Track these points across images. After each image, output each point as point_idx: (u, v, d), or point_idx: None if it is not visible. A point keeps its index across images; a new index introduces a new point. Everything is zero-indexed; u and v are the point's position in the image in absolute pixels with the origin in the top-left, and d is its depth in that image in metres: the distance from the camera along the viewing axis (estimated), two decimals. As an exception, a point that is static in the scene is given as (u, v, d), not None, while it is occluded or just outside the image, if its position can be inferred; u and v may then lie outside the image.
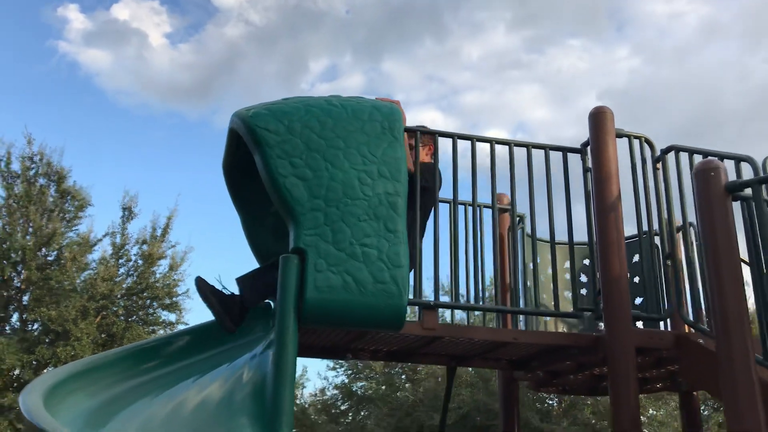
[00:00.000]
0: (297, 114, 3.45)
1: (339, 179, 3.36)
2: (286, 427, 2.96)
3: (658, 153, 3.86)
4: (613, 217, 3.52)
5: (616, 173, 3.62)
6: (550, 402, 22.19)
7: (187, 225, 37.79)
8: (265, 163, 3.33)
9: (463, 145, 3.74)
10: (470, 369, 22.89)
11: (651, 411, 21.36)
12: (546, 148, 3.85)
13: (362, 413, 30.84)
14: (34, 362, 16.61)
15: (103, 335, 17.83)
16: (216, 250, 36.05)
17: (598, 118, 3.73)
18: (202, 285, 3.59)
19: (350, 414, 31.52)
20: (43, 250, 17.68)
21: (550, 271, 3.97)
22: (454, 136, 3.73)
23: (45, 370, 17.15)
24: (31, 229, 17.55)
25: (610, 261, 3.45)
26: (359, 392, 31.30)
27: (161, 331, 19.13)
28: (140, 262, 18.26)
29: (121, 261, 18.13)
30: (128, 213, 18.57)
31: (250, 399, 3.08)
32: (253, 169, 4.15)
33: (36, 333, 17.17)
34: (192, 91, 38.06)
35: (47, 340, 16.86)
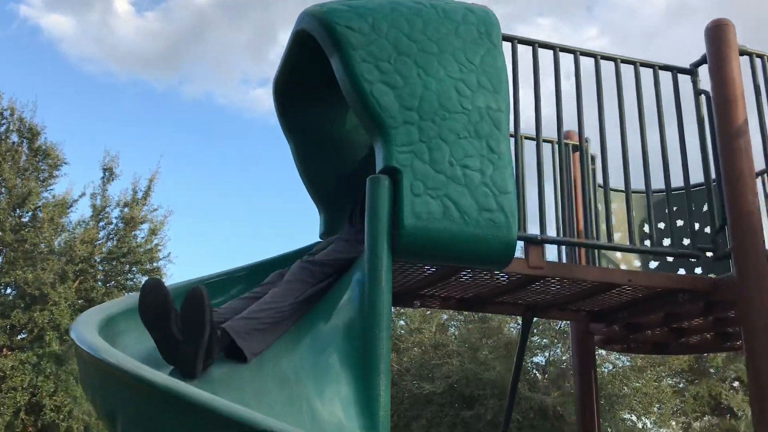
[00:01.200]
0: (382, 12, 2.89)
1: (434, 89, 2.82)
2: (384, 375, 2.46)
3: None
4: (742, 144, 3.04)
5: (741, 94, 3.14)
6: (536, 372, 22.07)
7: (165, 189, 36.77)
8: (346, 67, 2.77)
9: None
10: (454, 338, 22.65)
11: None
12: (655, 67, 3.34)
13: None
14: (8, 327, 15.86)
15: (80, 300, 17.10)
16: (196, 216, 35.27)
17: (719, 31, 3.24)
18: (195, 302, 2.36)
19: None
20: (17, 210, 16.81)
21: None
22: (555, 48, 3.21)
23: (19, 336, 16.44)
24: (4, 189, 16.64)
25: (741, 193, 2.98)
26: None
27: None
28: (121, 225, 17.48)
29: (101, 224, 17.33)
30: (109, 174, 17.73)
31: (341, 338, 2.57)
32: (311, 88, 3.60)
33: (11, 297, 16.36)
34: (158, 60, 36.86)
35: (23, 305, 16.06)
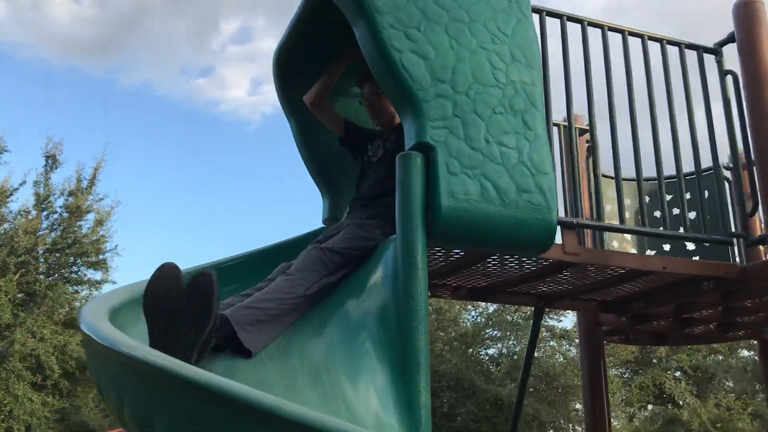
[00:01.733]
0: (409, -25, 2.65)
1: (467, 60, 2.60)
2: (424, 372, 2.23)
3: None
4: (775, 127, 2.92)
5: (773, 74, 3.02)
6: (490, 364, 22.19)
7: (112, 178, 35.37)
8: (373, 33, 2.52)
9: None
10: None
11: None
12: (681, 45, 3.20)
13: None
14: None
15: (21, 294, 16.29)
16: (144, 208, 34.25)
17: (748, 9, 3.11)
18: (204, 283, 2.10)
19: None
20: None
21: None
22: (583, 22, 3.03)
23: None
24: (-63, 176, 15.69)
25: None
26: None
27: (85, 292, 17.75)
28: (66, 215, 16.71)
29: (44, 213, 16.53)
30: (52, 161, 16.90)
31: (374, 331, 2.33)
32: (316, 63, 3.33)
33: (-55, 290, 15.44)
34: (94, 47, 35.55)
35: (-42, 298, 15.18)
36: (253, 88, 47.12)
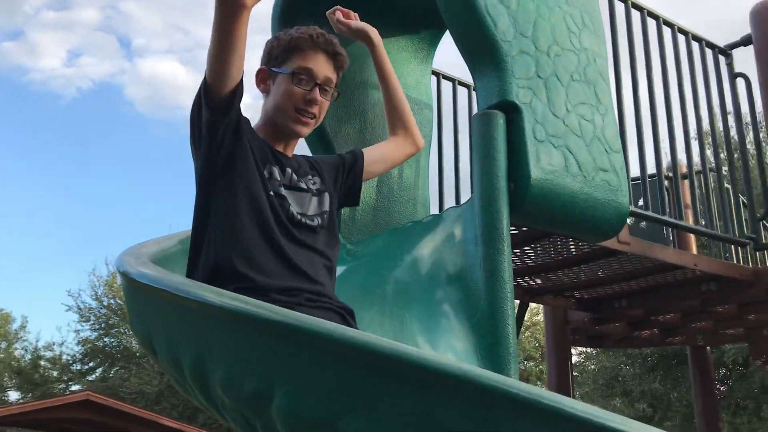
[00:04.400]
0: None
1: (547, 17, 2.32)
2: (513, 359, 1.92)
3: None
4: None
5: (791, 79, 3.04)
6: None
7: None
8: (455, -30, 2.16)
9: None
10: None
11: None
12: (702, 41, 3.14)
13: (113, 371, 28.15)
14: None
15: None
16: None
17: (765, 15, 3.11)
18: None
19: (98, 371, 28.71)
20: None
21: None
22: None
23: None
24: None
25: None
26: (109, 348, 28.57)
27: None
28: None
29: None
30: None
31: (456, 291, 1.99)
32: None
33: None
34: None
35: None
36: (70, 59, 43.54)
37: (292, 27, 1.94)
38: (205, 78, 1.68)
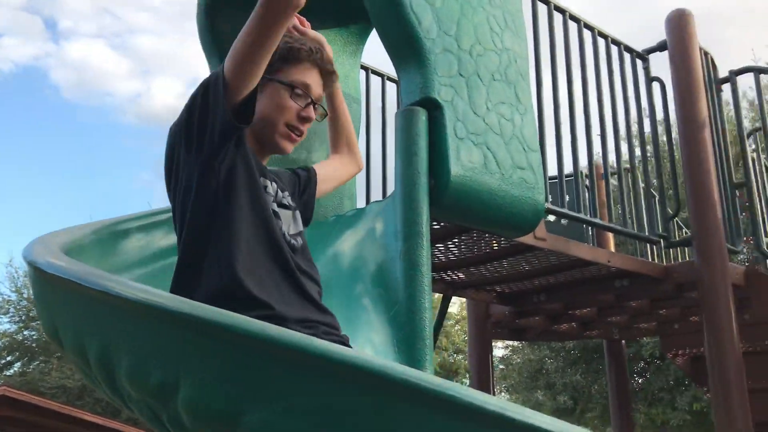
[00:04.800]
0: None
1: (470, 16, 2.37)
2: (429, 350, 1.97)
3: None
4: (703, 136, 3.08)
5: (702, 85, 3.18)
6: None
7: None
8: (380, -33, 2.18)
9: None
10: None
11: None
12: (620, 45, 3.25)
13: (32, 365, 27.16)
14: None
15: None
16: None
17: (681, 21, 3.25)
18: None
19: (17, 366, 27.66)
20: None
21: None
22: (550, 3, 2.93)
23: None
24: None
25: (703, 184, 3.01)
26: (29, 342, 27.57)
27: None
28: None
29: None
30: None
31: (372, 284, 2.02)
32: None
33: None
34: None
35: None
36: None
37: (217, 17, 1.91)
38: (224, 79, 1.54)
